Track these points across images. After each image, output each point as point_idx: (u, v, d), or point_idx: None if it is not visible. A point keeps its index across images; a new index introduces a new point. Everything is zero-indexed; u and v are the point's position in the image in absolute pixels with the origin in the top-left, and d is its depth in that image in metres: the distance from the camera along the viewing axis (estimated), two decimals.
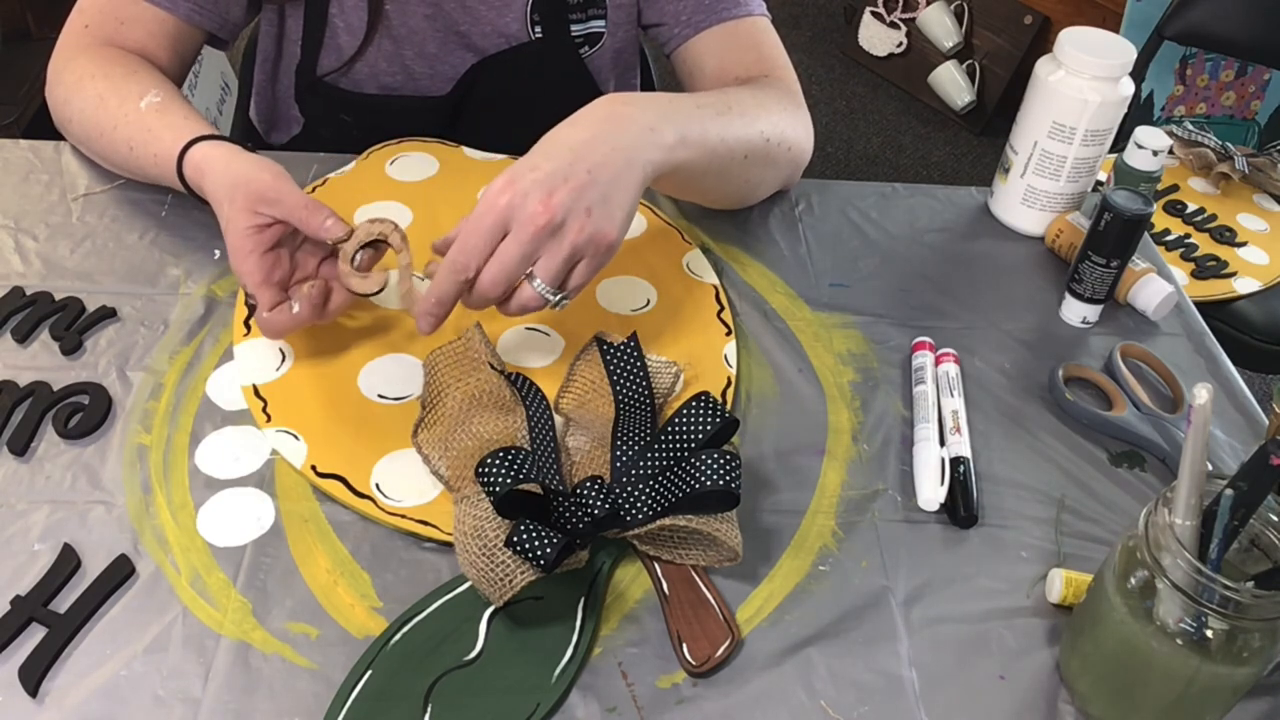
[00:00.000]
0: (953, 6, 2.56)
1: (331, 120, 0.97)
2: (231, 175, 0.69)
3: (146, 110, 0.76)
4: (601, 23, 0.94)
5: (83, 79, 0.79)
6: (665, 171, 0.70)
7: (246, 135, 1.07)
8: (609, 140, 0.66)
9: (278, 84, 0.98)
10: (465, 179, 0.87)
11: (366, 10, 0.89)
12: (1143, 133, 0.87)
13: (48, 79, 0.83)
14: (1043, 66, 0.85)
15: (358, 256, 0.68)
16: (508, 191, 0.63)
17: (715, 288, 0.80)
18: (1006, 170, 0.90)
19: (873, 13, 2.69)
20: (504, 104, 0.96)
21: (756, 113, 0.80)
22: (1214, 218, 1.38)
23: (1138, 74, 1.70)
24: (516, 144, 0.74)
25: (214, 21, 0.86)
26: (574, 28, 0.93)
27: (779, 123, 0.82)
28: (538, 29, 0.92)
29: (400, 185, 0.86)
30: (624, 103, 0.69)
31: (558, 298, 0.66)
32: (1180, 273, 1.30)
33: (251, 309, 0.65)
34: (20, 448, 0.64)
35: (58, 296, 0.74)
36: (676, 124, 0.70)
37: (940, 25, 2.56)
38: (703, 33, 0.90)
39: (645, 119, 0.69)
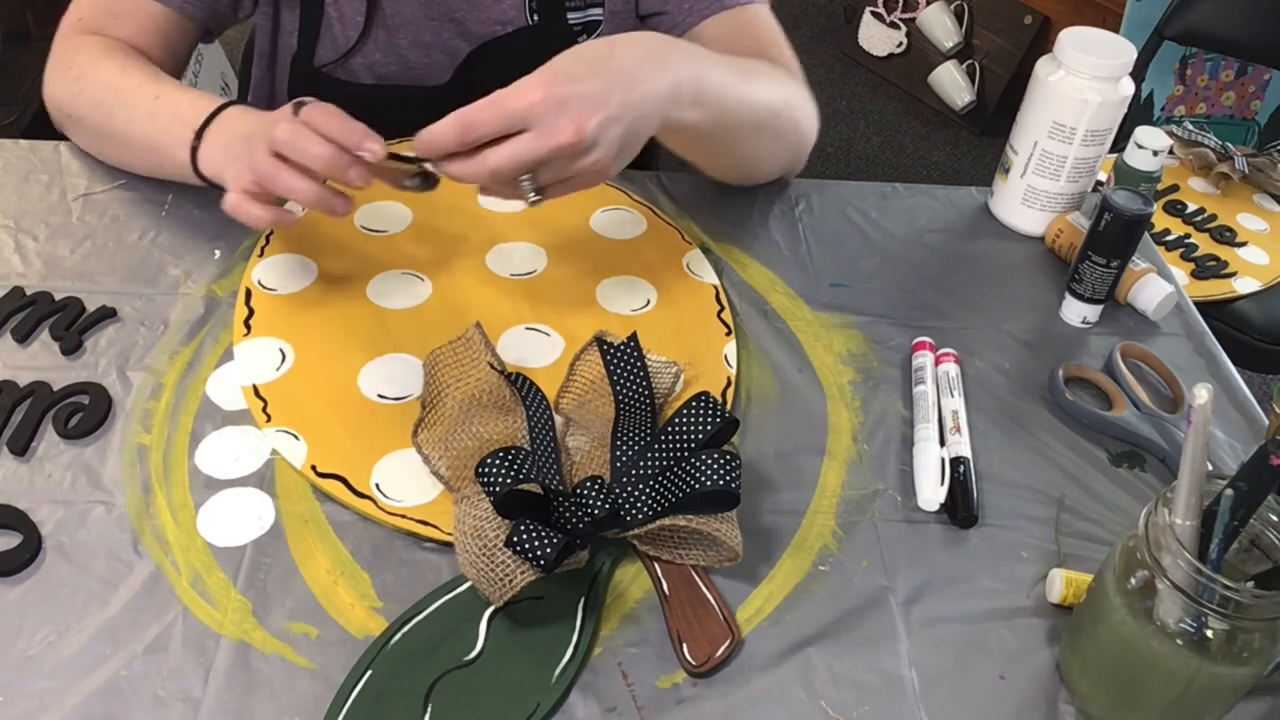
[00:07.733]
0: (953, 6, 2.56)
1: None
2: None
3: (166, 82, 0.79)
4: (600, 10, 0.94)
5: (95, 60, 0.81)
6: (674, 129, 0.72)
7: None
8: (648, 82, 0.68)
9: (275, 79, 0.98)
10: None
11: (364, 1, 0.89)
12: (1143, 133, 0.87)
13: (47, 73, 0.83)
14: (1043, 66, 0.85)
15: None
16: (543, 92, 0.63)
17: (715, 288, 0.80)
18: (1006, 170, 0.90)
19: (873, 13, 2.69)
20: None
21: (772, 81, 0.81)
22: (1214, 218, 1.38)
23: (1138, 74, 1.70)
24: None
25: (204, 12, 0.87)
26: (571, 15, 0.93)
27: (791, 96, 0.83)
28: (535, 15, 0.92)
29: None
30: (668, 46, 0.71)
31: (535, 198, 0.67)
32: (1180, 273, 1.30)
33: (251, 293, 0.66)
34: (20, 448, 0.64)
35: (58, 296, 0.74)
36: (702, 82, 0.72)
37: (940, 25, 2.56)
38: (706, 20, 0.90)
39: (679, 70, 0.70)
